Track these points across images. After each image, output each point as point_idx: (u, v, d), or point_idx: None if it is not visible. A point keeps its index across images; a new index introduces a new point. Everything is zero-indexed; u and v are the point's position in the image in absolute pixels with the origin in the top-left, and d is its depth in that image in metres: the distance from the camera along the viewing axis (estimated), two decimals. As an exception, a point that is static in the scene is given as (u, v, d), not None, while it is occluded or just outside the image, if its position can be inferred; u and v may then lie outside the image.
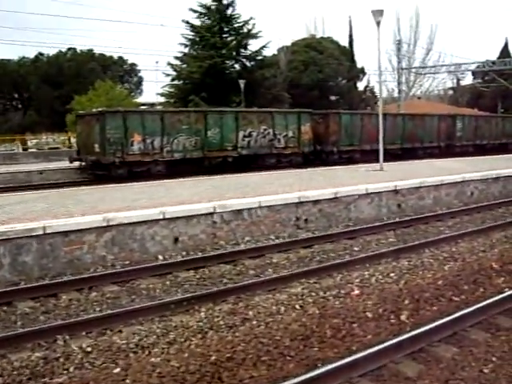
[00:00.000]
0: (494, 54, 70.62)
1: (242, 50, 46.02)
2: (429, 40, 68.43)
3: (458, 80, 78.17)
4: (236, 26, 45.75)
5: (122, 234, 9.95)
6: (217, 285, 8.55)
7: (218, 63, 42.39)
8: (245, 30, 45.67)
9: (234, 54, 45.39)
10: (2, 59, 61.51)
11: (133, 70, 70.37)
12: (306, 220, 12.56)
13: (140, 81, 71.64)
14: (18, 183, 23.51)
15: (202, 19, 45.54)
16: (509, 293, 7.43)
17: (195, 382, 5.30)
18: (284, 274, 8.95)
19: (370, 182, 15.18)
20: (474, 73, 71.01)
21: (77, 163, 25.53)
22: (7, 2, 74.30)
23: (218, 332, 6.54)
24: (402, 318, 6.81)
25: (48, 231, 9.12)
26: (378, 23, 19.27)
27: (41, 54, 63.22)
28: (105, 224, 9.70)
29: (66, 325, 6.77)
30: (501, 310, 6.91)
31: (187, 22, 44.75)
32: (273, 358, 5.74)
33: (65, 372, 5.65)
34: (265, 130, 28.43)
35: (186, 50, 46.05)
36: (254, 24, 45.46)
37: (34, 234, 9.01)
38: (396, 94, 61.75)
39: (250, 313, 7.17)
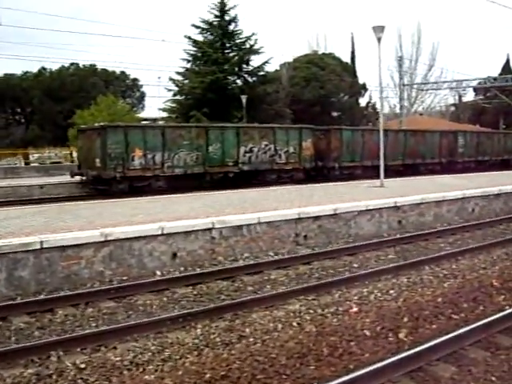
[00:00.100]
0: (495, 71, 70.87)
1: (244, 66, 46.12)
2: (431, 56, 68.69)
3: (460, 96, 78.28)
4: (238, 41, 45.91)
5: (120, 249, 9.89)
6: (214, 301, 8.47)
7: (219, 79, 42.48)
8: (247, 46, 45.81)
9: (236, 69, 45.47)
10: (6, 74, 61.89)
11: (135, 84, 70.64)
12: (305, 236, 12.50)
13: (142, 96, 71.90)
14: (18, 197, 23.49)
15: (205, 35, 45.74)
16: (509, 311, 7.34)
17: (189, 400, 5.22)
18: (282, 290, 8.88)
19: (370, 198, 15.14)
20: (475, 89, 71.09)
21: (78, 178, 25.52)
22: (12, 18, 75.11)
23: (213, 349, 6.46)
24: (401, 336, 6.72)
25: (45, 246, 9.06)
26: (379, 39, 19.32)
27: (44, 68, 63.56)
28: (102, 239, 9.64)
29: (61, 341, 6.69)
30: (501, 329, 6.82)
31: (189, 38, 44.92)
32: (268, 376, 5.65)
33: (57, 389, 5.58)
34: (266, 145, 28.42)
35: (188, 66, 46.17)
36: (256, 40, 45.68)
37: (31, 248, 8.95)
38: (398, 110, 61.72)
39: (247, 330, 7.09)
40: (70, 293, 8.77)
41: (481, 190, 17.39)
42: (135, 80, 70.05)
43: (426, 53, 74.86)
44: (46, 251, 9.07)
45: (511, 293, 8.58)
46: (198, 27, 45.15)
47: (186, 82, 45.28)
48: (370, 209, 13.82)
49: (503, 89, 58.31)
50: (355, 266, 10.70)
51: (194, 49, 45.51)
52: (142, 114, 64.38)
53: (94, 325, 7.51)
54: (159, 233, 10.32)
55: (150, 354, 6.39)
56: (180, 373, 5.79)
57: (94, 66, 63.54)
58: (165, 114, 48.98)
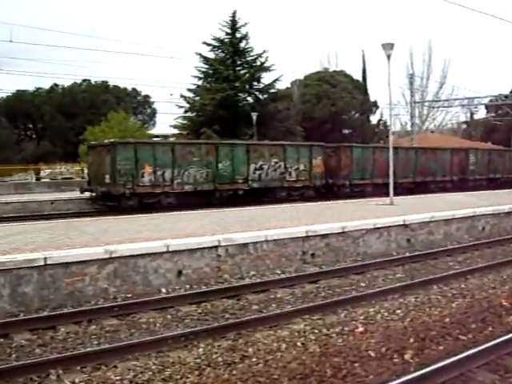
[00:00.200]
0: (506, 88, 70.53)
1: (255, 83, 46.33)
2: (442, 74, 68.85)
3: (472, 114, 78.05)
4: (249, 59, 46.16)
5: (125, 266, 9.81)
6: (218, 320, 8.35)
7: (230, 96, 42.65)
8: (258, 63, 46.03)
9: (247, 86, 45.69)
10: (18, 90, 62.47)
11: (146, 101, 71.10)
12: (312, 254, 12.37)
13: (154, 112, 72.37)
14: (29, 213, 23.55)
15: (216, 52, 46.03)
16: (518, 332, 7.18)
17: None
18: (287, 309, 8.76)
19: (379, 216, 15.02)
20: (487, 106, 70.90)
21: (88, 194, 25.57)
22: (25, 35, 76.18)
23: (215, 369, 6.35)
24: (406, 357, 6.58)
25: (49, 262, 9.01)
26: (389, 56, 19.29)
27: (56, 84, 64.26)
28: (107, 256, 9.58)
29: (61, 359, 6.60)
30: (510, 351, 6.66)
31: (200, 55, 45.22)
32: (270, 397, 5.54)
33: (55, 409, 5.49)
34: (276, 162, 28.41)
35: (200, 83, 46.41)
36: (267, 57, 45.95)
37: (35, 264, 8.90)
38: (409, 128, 61.67)
39: (250, 350, 6.97)
40: (73, 310, 8.69)
41: (492, 208, 17.22)
42: (147, 97, 70.59)
43: (438, 70, 74.87)
44: (50, 267, 9.01)
45: (521, 313, 8.42)
46: (209, 44, 45.54)
47: (197, 98, 45.48)
48: (379, 227, 13.69)
49: (514, 106, 58.16)
50: (362, 285, 10.57)
51: (205, 66, 45.81)
52: (154, 131, 64.81)
53: (95, 342, 7.41)
54: (165, 250, 10.25)
55: (150, 373, 6.29)
56: (180, 393, 5.69)
57: (106, 82, 64.11)
58: (176, 131, 49.21)
